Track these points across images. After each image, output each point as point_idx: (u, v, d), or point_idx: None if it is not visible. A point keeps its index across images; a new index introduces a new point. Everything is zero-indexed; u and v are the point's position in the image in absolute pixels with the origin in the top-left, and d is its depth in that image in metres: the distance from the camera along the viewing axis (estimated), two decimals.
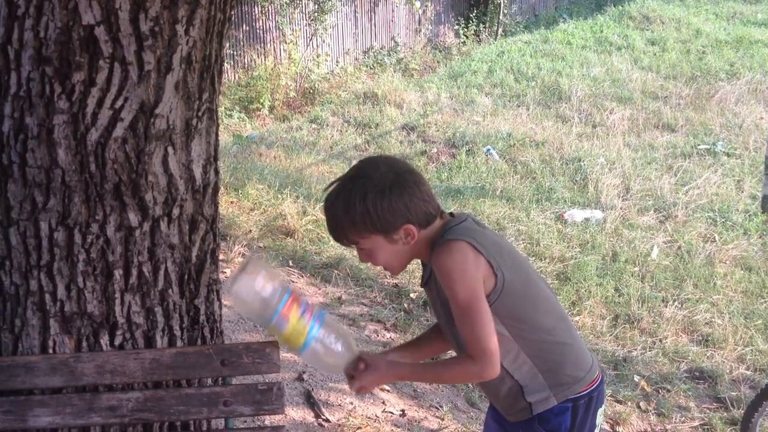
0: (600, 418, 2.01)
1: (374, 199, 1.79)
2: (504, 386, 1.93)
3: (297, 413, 3.43)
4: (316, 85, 11.97)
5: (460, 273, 1.78)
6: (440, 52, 14.63)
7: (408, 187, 1.82)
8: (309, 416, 3.44)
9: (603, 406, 2.02)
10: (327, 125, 10.23)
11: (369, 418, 3.53)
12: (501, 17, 15.48)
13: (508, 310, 1.85)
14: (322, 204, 1.94)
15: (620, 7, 15.09)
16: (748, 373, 4.70)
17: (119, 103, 1.80)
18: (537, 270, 2.03)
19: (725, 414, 4.24)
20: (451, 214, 1.95)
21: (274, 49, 11.96)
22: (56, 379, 1.94)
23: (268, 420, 2.95)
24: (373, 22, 13.75)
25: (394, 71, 12.91)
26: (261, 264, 1.87)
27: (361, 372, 1.89)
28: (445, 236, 1.83)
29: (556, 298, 2.04)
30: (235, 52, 11.29)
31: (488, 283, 1.81)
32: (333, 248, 5.42)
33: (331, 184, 1.89)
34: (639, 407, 4.25)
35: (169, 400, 2.01)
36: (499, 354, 1.82)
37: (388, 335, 4.54)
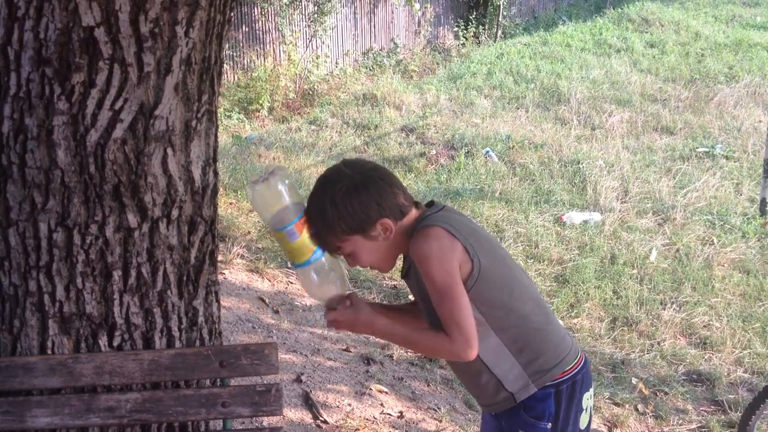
0: (588, 402, 2.02)
1: (343, 199, 1.83)
2: (482, 378, 1.95)
3: (295, 414, 3.43)
4: (316, 87, 11.97)
5: (436, 257, 1.81)
6: (439, 53, 14.63)
7: (375, 183, 1.86)
8: (307, 417, 3.44)
9: (590, 390, 2.03)
10: (326, 126, 10.24)
11: (367, 419, 3.53)
12: (500, 19, 15.49)
13: (485, 297, 1.87)
14: None
15: (619, 10, 15.12)
16: (746, 376, 4.70)
17: (119, 104, 1.80)
18: (520, 264, 2.04)
19: (723, 417, 4.24)
20: (430, 203, 1.97)
21: (274, 51, 11.96)
22: (55, 380, 1.94)
23: (267, 421, 2.95)
24: (372, 23, 13.75)
25: (394, 73, 12.91)
26: (287, 175, 1.89)
27: (344, 307, 1.91)
28: (422, 223, 1.87)
29: (534, 284, 2.05)
30: (234, 53, 11.29)
31: (464, 269, 1.83)
32: None
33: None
34: (637, 410, 4.25)
35: (168, 401, 2.01)
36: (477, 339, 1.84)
37: None
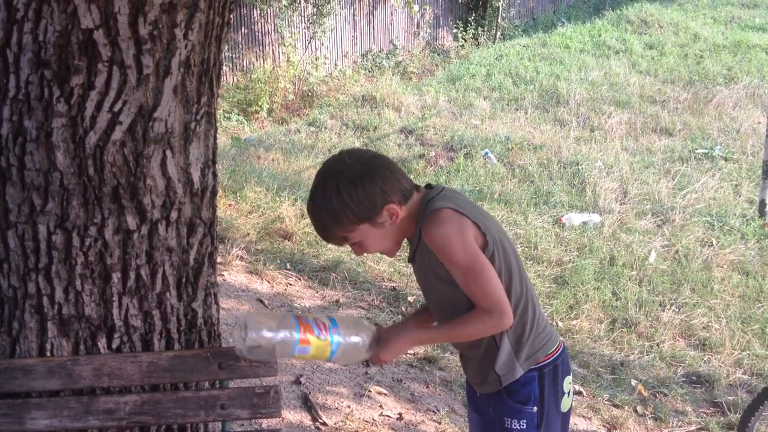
0: (568, 386, 2.06)
1: (348, 190, 1.83)
2: (480, 347, 1.98)
3: (294, 416, 3.43)
4: (315, 88, 11.98)
5: (454, 238, 1.83)
6: (439, 55, 14.64)
7: (378, 170, 1.87)
8: (306, 419, 3.44)
9: (570, 375, 2.07)
10: (325, 128, 10.23)
11: (366, 421, 3.53)
12: (499, 21, 15.50)
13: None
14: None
15: (618, 11, 15.13)
16: (745, 377, 4.70)
17: (118, 106, 1.81)
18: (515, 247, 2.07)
19: (722, 418, 4.24)
20: (428, 186, 1.99)
21: (273, 52, 11.96)
22: (54, 382, 1.94)
23: (265, 423, 2.95)
24: (371, 25, 13.76)
25: (393, 74, 12.91)
26: (256, 315, 1.94)
27: (380, 346, 1.95)
28: (428, 208, 1.88)
29: (523, 266, 2.07)
30: (233, 55, 11.30)
31: (479, 241, 1.86)
32: (331, 251, 5.42)
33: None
34: (636, 411, 4.25)
35: (167, 403, 2.01)
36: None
37: None
